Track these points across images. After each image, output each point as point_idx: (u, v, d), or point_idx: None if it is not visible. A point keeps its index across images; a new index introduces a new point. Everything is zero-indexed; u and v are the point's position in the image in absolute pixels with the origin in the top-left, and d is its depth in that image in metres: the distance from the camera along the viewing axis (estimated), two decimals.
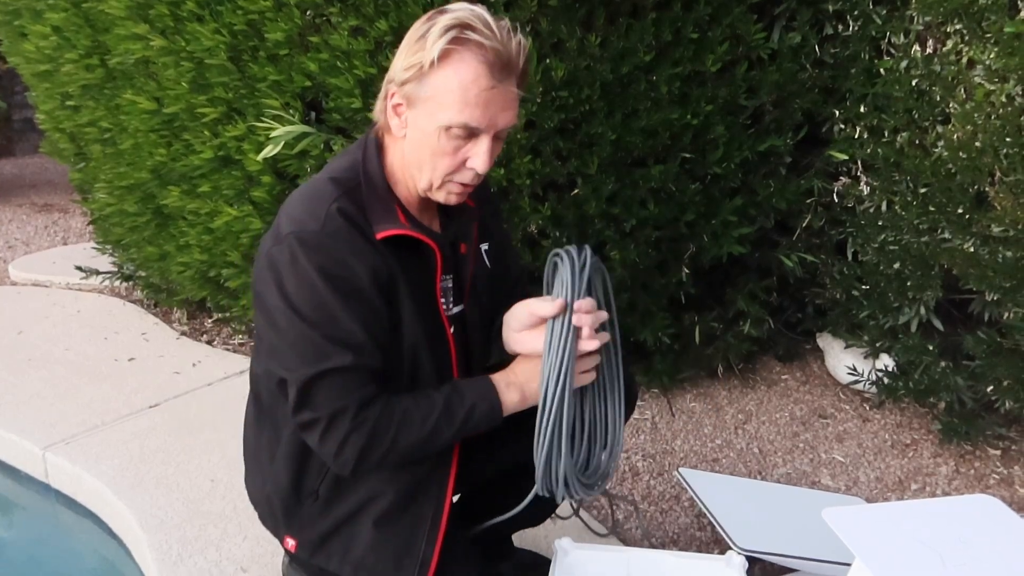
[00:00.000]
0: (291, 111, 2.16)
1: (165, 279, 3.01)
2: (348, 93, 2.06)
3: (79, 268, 3.42)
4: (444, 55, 1.10)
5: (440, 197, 1.22)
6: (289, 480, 1.31)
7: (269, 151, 2.14)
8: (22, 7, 2.86)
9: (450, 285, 1.34)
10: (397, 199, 1.24)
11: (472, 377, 1.26)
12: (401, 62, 1.15)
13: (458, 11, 1.12)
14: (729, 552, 1.47)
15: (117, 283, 3.39)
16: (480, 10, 1.13)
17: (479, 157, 1.16)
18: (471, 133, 1.15)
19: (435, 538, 1.30)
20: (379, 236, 1.17)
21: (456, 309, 1.35)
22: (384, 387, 1.18)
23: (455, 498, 1.57)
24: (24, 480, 2.29)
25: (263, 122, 2.17)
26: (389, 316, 1.20)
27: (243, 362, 2.75)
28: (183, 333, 3.01)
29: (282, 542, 1.35)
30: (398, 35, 1.97)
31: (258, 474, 1.37)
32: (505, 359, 1.38)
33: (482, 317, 1.42)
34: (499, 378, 1.24)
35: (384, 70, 1.99)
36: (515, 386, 1.24)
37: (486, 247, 1.41)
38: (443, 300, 1.31)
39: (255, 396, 1.37)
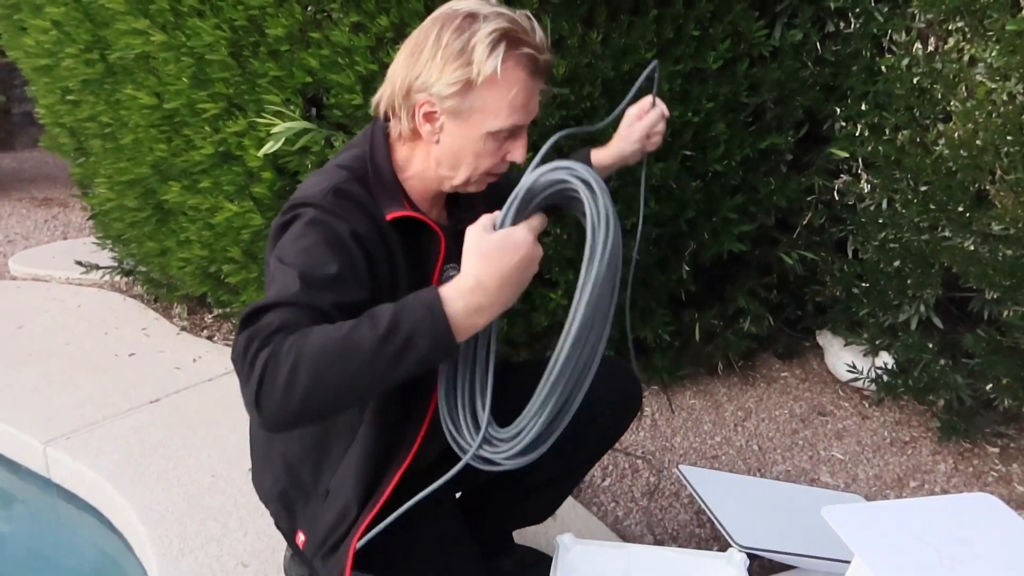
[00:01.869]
0: (292, 107, 2.16)
1: (165, 274, 3.01)
2: (349, 89, 2.05)
3: (79, 263, 3.42)
4: (499, 71, 1.11)
5: (472, 188, 1.26)
6: (303, 476, 1.31)
7: (270, 147, 2.14)
8: (22, 1, 2.86)
9: (452, 274, 1.34)
10: (404, 190, 1.25)
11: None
12: (438, 74, 1.12)
13: (491, 18, 1.12)
14: (730, 549, 1.47)
15: (117, 278, 3.39)
16: (510, 12, 1.14)
17: (520, 150, 1.21)
18: (513, 131, 1.19)
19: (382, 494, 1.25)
20: (389, 217, 1.18)
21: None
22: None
23: (456, 495, 1.58)
24: (25, 474, 2.29)
25: (264, 118, 2.16)
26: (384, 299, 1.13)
27: None
28: (183, 328, 3.01)
29: (294, 537, 1.35)
30: (399, 31, 1.98)
31: (269, 472, 1.37)
32: None
33: None
34: (448, 286, 0.99)
35: (385, 66, 1.99)
36: (473, 288, 0.97)
37: None
38: (443, 277, 1.31)
39: None
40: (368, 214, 1.17)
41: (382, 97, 1.22)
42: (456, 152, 1.19)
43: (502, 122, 1.15)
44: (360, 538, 1.24)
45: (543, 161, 1.04)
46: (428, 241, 1.26)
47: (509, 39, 1.11)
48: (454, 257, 1.32)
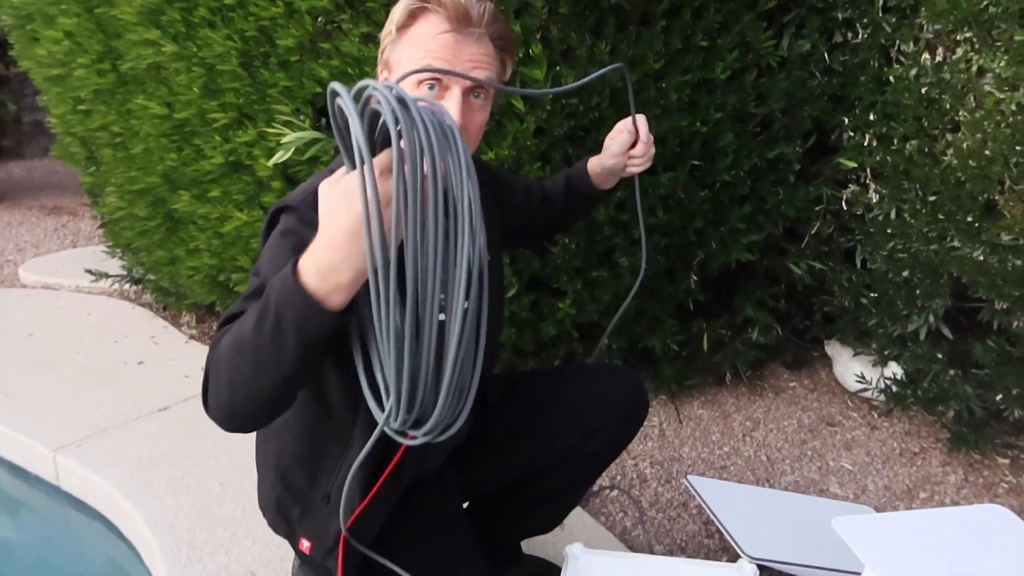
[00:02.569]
0: (302, 117, 2.17)
1: (174, 283, 3.03)
2: None
3: (89, 271, 3.43)
4: (409, 17, 1.13)
5: None
6: (302, 483, 1.31)
7: (279, 157, 2.15)
8: (35, 12, 2.89)
9: None
10: None
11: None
12: (382, 41, 1.19)
13: None
14: (740, 560, 1.47)
15: (126, 286, 3.40)
16: None
17: (450, 107, 1.12)
18: (442, 85, 1.13)
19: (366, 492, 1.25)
20: None
21: None
22: None
23: (464, 506, 1.58)
24: (34, 482, 2.30)
25: (274, 128, 2.18)
26: None
27: None
28: (192, 337, 3.02)
29: (297, 544, 1.35)
30: None
31: (266, 481, 1.38)
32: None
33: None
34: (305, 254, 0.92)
35: None
36: (322, 247, 0.89)
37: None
38: None
39: None
40: None
41: None
42: None
43: (417, 63, 1.12)
44: (350, 526, 1.23)
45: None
46: None
47: None
48: None
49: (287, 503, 1.34)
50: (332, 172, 1.18)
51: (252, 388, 0.94)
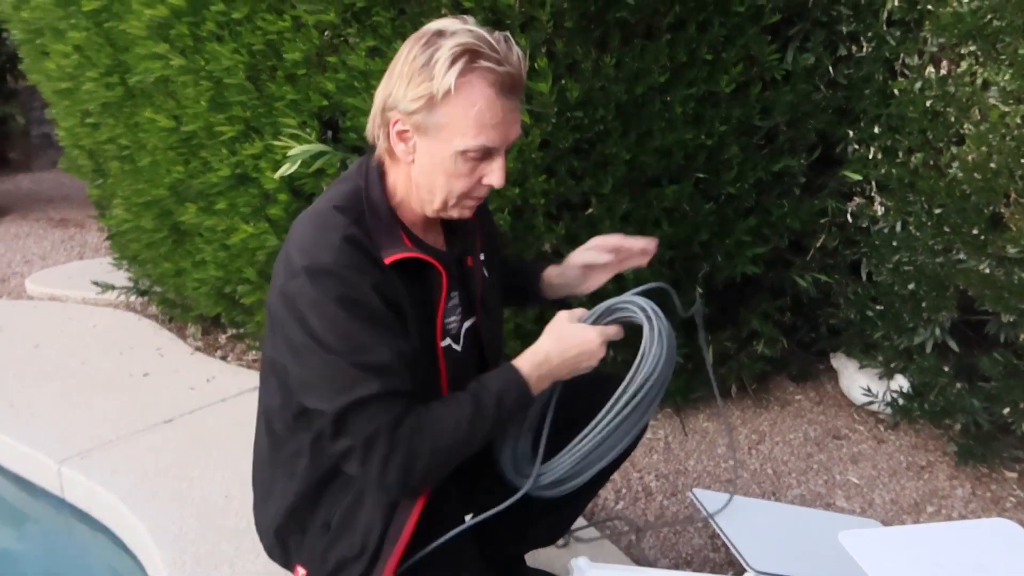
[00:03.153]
0: (308, 130, 2.19)
1: (180, 295, 3.04)
2: (365, 113, 2.07)
3: (95, 283, 3.45)
4: (456, 86, 1.11)
5: (454, 214, 1.24)
6: (303, 511, 1.30)
7: (286, 169, 2.16)
8: (44, 26, 2.91)
9: (457, 302, 1.34)
10: (401, 223, 1.25)
11: (495, 369, 1.26)
12: (404, 90, 1.15)
13: (458, 34, 1.13)
14: (746, 574, 1.46)
15: (132, 298, 3.41)
16: (478, 28, 1.14)
17: (496, 173, 1.19)
18: (487, 153, 1.17)
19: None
20: (387, 261, 1.18)
21: (468, 323, 1.36)
22: (413, 403, 1.17)
23: (468, 517, 1.57)
24: (39, 494, 2.30)
25: (280, 141, 2.19)
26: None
27: (257, 378, 2.76)
28: (197, 349, 3.03)
29: (292, 571, 1.35)
30: None
31: (270, 504, 1.37)
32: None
33: (494, 325, 1.44)
34: (523, 359, 1.24)
35: None
36: (541, 362, 1.24)
37: (482, 257, 1.42)
38: (451, 319, 1.32)
39: (268, 428, 1.35)
40: (372, 259, 1.17)
41: (369, 124, 1.24)
42: (430, 173, 1.19)
43: (471, 140, 1.14)
44: (395, 571, 1.24)
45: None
46: (429, 277, 1.26)
47: (471, 53, 1.11)
48: (456, 285, 1.32)
49: (287, 531, 1.33)
50: (329, 214, 1.20)
51: (456, 458, 1.21)
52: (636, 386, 1.28)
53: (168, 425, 2.44)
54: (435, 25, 1.16)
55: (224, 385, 2.71)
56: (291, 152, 2.14)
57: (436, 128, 1.15)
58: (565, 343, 1.24)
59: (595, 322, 1.32)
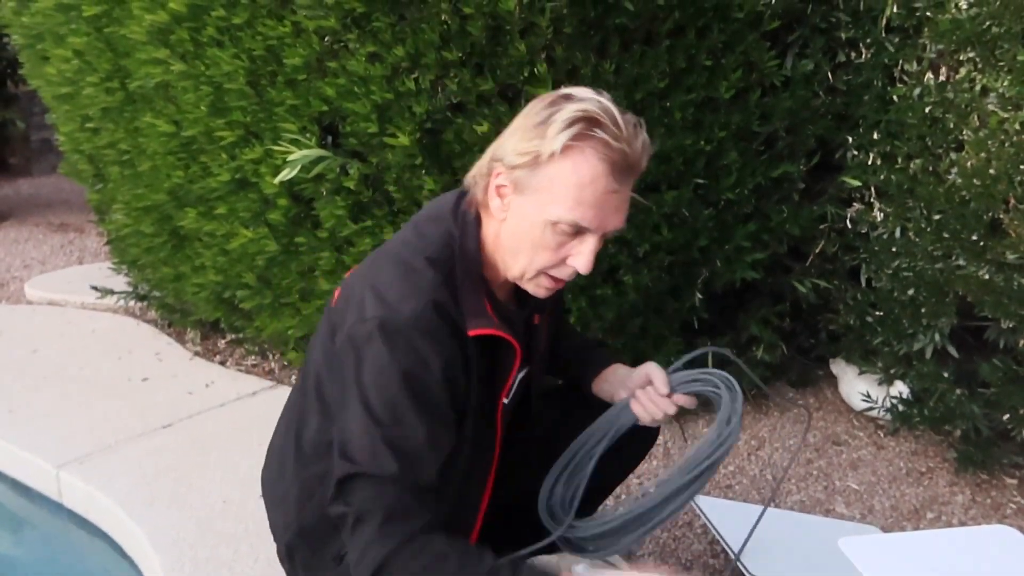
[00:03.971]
0: (308, 135, 2.19)
1: (179, 300, 3.04)
2: (365, 118, 2.08)
3: (94, 288, 3.44)
4: (566, 148, 1.04)
5: (529, 288, 1.18)
6: (316, 537, 1.29)
7: (286, 174, 2.16)
8: (45, 31, 2.92)
9: (521, 376, 1.31)
10: (486, 282, 1.19)
11: (536, 561, 1.17)
12: (514, 143, 1.09)
13: (585, 101, 1.07)
14: None
15: (132, 303, 3.41)
16: (608, 102, 1.08)
17: (583, 257, 1.10)
18: (578, 232, 1.09)
19: None
20: (471, 333, 1.13)
21: (522, 373, 1.31)
22: (427, 505, 1.10)
23: None
24: (37, 498, 2.29)
25: (280, 146, 2.19)
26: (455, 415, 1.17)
27: (255, 383, 2.76)
28: (196, 353, 3.02)
29: None
30: (414, 61, 2.01)
31: (283, 516, 1.35)
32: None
33: (543, 373, 1.43)
34: None
35: (401, 96, 2.04)
36: None
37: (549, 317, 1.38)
38: (508, 392, 1.28)
39: (297, 439, 1.32)
40: (455, 330, 1.12)
41: (474, 167, 1.18)
42: (517, 236, 1.12)
43: (565, 212, 1.06)
44: None
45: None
46: (505, 353, 1.21)
47: (590, 121, 1.04)
48: (526, 361, 1.27)
49: (296, 545, 1.32)
50: (421, 269, 1.12)
51: None
52: (703, 467, 1.26)
53: (167, 430, 2.44)
54: (567, 90, 1.10)
55: (223, 390, 2.71)
56: (291, 157, 2.14)
57: (534, 190, 1.08)
58: None
59: (675, 388, 1.34)
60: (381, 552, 1.04)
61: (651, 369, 1.38)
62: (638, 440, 1.50)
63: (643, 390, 1.35)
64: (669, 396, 1.34)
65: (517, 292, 1.26)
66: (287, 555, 1.36)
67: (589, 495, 1.58)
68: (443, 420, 1.12)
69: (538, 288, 1.17)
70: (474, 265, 1.16)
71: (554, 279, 1.15)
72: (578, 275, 1.15)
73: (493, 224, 1.16)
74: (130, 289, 3.35)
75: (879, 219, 2.29)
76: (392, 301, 1.10)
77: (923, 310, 2.20)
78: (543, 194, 1.08)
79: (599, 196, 1.06)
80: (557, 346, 1.51)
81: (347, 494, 1.08)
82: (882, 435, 2.48)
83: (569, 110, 1.05)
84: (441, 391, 1.10)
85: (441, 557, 1.05)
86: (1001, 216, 1.96)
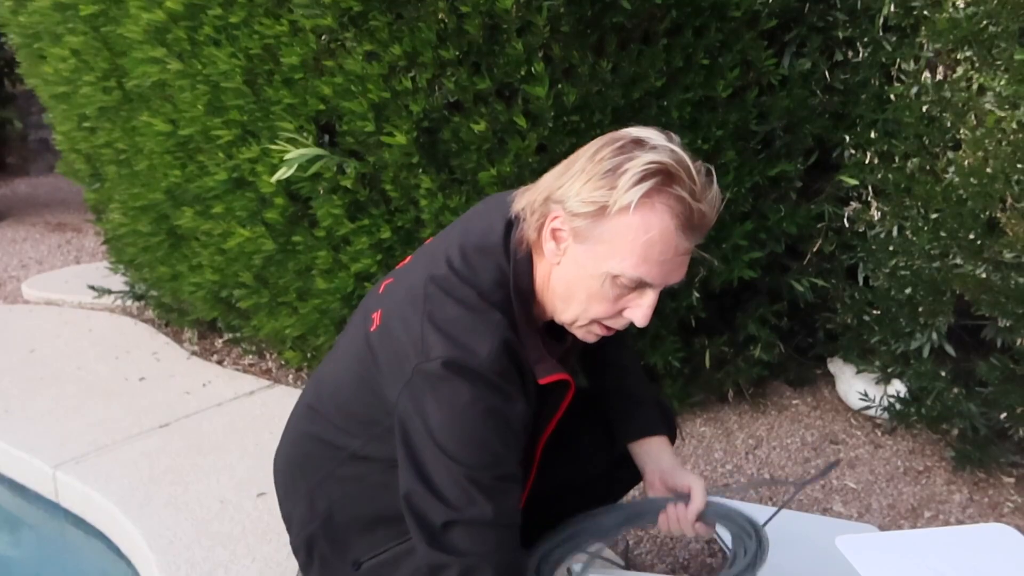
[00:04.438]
0: (305, 134, 2.18)
1: (177, 299, 3.03)
2: (362, 117, 2.08)
3: (92, 287, 3.44)
4: (638, 204, 0.99)
5: (579, 334, 1.14)
6: (341, 538, 1.28)
7: (283, 173, 2.16)
8: (42, 30, 2.91)
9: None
10: (536, 323, 1.15)
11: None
12: (578, 188, 1.02)
13: (659, 151, 1.00)
14: None
15: (129, 303, 3.41)
16: (681, 152, 1.02)
17: (641, 311, 1.06)
18: (639, 286, 1.05)
19: None
20: (542, 381, 1.11)
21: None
22: (516, 540, 1.09)
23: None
24: (33, 498, 2.29)
25: (277, 144, 2.19)
26: None
27: (253, 383, 2.75)
28: (194, 353, 3.02)
29: None
30: (411, 60, 2.00)
31: (308, 505, 1.32)
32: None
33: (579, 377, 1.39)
34: None
35: (398, 94, 2.04)
36: None
37: None
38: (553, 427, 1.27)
39: (321, 436, 1.29)
40: (523, 374, 1.09)
41: (526, 200, 1.11)
42: (571, 283, 1.07)
43: (627, 267, 1.02)
44: None
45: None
46: (560, 391, 1.18)
47: (665, 175, 0.99)
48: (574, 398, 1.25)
49: (318, 540, 1.31)
50: (482, 309, 1.08)
51: None
52: None
53: (164, 430, 2.44)
54: (636, 132, 1.05)
55: (220, 390, 2.70)
56: (288, 156, 2.14)
57: (596, 240, 1.02)
58: None
59: (707, 515, 1.30)
60: None
61: (695, 486, 1.30)
62: (625, 482, 1.50)
63: (675, 506, 1.29)
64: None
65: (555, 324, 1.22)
66: (305, 547, 1.33)
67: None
68: (518, 453, 1.10)
69: (588, 334, 1.13)
70: (529, 309, 1.13)
71: (607, 328, 1.11)
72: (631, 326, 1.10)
73: (544, 265, 1.12)
74: (127, 289, 3.35)
75: (876, 218, 2.29)
76: (463, 342, 1.05)
77: (920, 309, 2.20)
78: (606, 247, 1.02)
79: (667, 254, 1.02)
80: (606, 366, 1.47)
81: (448, 542, 1.04)
82: (879, 434, 2.48)
83: (643, 161, 0.99)
84: (520, 429, 1.08)
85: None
86: (998, 215, 1.96)
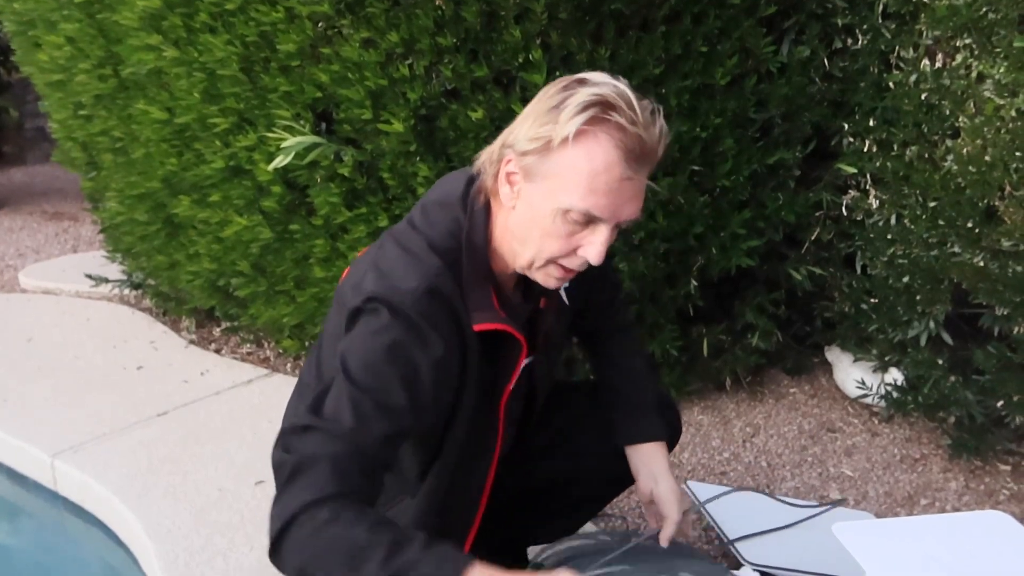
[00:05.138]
0: (302, 122, 2.18)
1: (174, 288, 3.03)
2: (359, 104, 2.07)
3: (89, 276, 3.44)
4: (579, 134, 1.01)
5: (538, 278, 1.14)
6: None
7: (280, 161, 2.15)
8: (36, 17, 2.89)
9: (529, 361, 1.30)
10: (493, 277, 1.16)
11: (453, 545, 0.98)
12: (526, 129, 1.06)
13: (600, 86, 1.03)
14: (744, 568, 1.46)
15: (126, 291, 3.40)
16: (624, 87, 1.04)
17: (594, 248, 1.06)
18: (590, 220, 1.05)
19: None
20: (476, 328, 1.11)
21: (526, 361, 1.29)
22: (370, 477, 1.04)
23: None
24: (32, 487, 2.29)
25: (274, 132, 2.18)
26: (442, 408, 1.15)
27: (251, 371, 2.76)
28: (191, 342, 3.02)
29: None
30: (408, 47, 1.99)
31: None
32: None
33: (550, 364, 1.38)
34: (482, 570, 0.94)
35: (395, 82, 2.03)
36: None
37: (566, 285, 1.31)
38: (511, 388, 1.26)
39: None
40: (455, 321, 1.10)
41: (485, 154, 1.14)
42: (526, 224, 1.09)
43: (576, 200, 1.02)
44: None
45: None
46: (509, 349, 1.19)
47: (604, 105, 1.01)
48: (531, 351, 1.25)
49: None
50: (424, 254, 1.10)
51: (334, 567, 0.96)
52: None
53: (162, 418, 2.44)
54: (583, 75, 1.07)
55: (218, 378, 2.71)
56: (285, 144, 2.13)
57: (544, 176, 1.04)
58: None
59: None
60: (293, 503, 0.98)
61: (669, 515, 1.36)
62: (621, 483, 1.50)
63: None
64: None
65: (524, 283, 1.23)
66: None
67: (557, 531, 1.58)
68: (416, 403, 1.07)
69: (547, 278, 1.14)
70: (481, 258, 1.14)
71: (564, 269, 1.12)
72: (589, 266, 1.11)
73: (503, 213, 1.14)
74: (125, 277, 3.35)
75: (874, 206, 2.29)
76: (393, 279, 1.09)
77: (918, 297, 2.20)
78: (554, 181, 1.04)
79: (613, 184, 1.02)
80: (613, 361, 1.46)
81: (294, 443, 1.02)
82: (876, 422, 2.49)
83: (583, 94, 1.02)
84: (426, 375, 1.07)
85: (354, 519, 0.96)
86: (996, 203, 1.95)
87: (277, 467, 1.03)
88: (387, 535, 0.93)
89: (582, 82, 1.05)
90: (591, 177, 1.02)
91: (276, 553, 1.00)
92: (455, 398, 1.16)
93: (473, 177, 1.19)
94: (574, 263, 1.10)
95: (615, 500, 2.08)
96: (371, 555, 0.92)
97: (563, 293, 1.33)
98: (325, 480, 0.97)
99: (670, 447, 1.45)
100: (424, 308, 1.07)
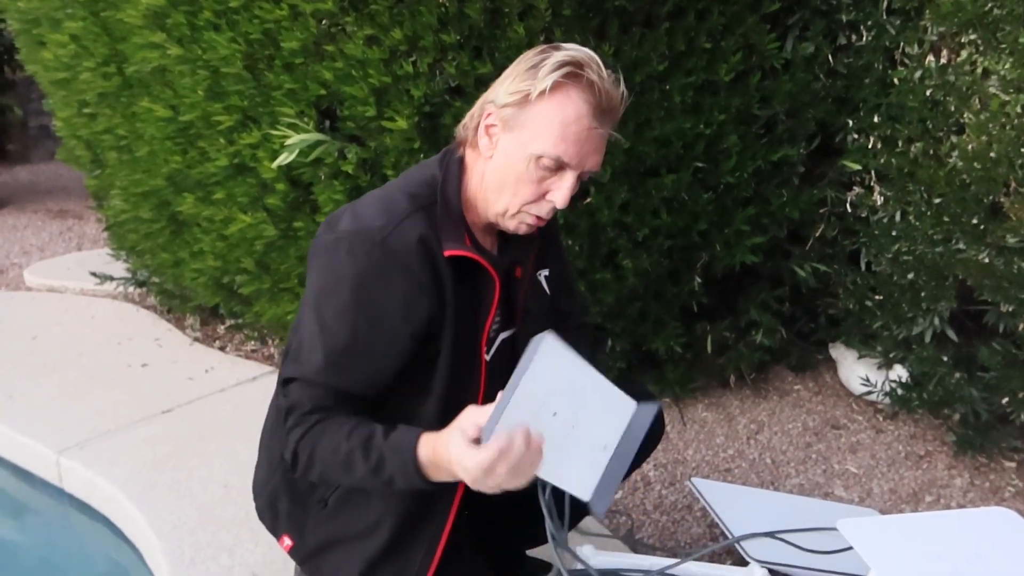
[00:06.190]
0: (306, 119, 2.18)
1: (179, 285, 3.03)
2: (362, 101, 2.07)
3: (94, 274, 3.44)
4: (554, 88, 1.13)
5: (511, 225, 1.24)
6: (301, 481, 1.31)
7: (284, 159, 2.15)
8: (41, 16, 2.90)
9: (505, 336, 1.34)
10: (466, 225, 1.25)
11: (405, 431, 1.13)
12: (507, 86, 1.18)
13: (573, 50, 1.16)
14: (752, 564, 1.46)
15: (131, 289, 3.41)
16: (593, 53, 1.17)
17: (561, 192, 1.18)
18: (559, 167, 1.17)
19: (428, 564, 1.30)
20: (447, 253, 1.19)
21: (505, 334, 1.35)
22: (350, 406, 1.19)
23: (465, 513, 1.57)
24: (38, 484, 2.30)
25: (278, 130, 2.18)
26: (422, 351, 1.21)
27: (255, 368, 2.76)
28: (196, 339, 3.03)
29: (279, 539, 1.36)
30: (412, 44, 1.99)
31: (267, 465, 1.38)
32: None
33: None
34: (427, 440, 1.09)
35: (399, 78, 2.03)
36: (439, 465, 1.09)
37: (546, 273, 1.43)
38: (492, 326, 1.30)
39: (277, 392, 1.36)
40: (428, 256, 1.17)
41: (467, 115, 1.25)
42: (502, 171, 1.19)
43: (548, 147, 1.15)
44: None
45: None
46: (483, 285, 1.25)
47: (577, 65, 1.14)
48: (503, 302, 1.30)
49: (279, 494, 1.34)
50: (398, 196, 1.20)
51: (349, 487, 1.24)
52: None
53: (167, 415, 2.44)
54: (558, 44, 1.20)
55: (222, 375, 2.71)
56: (289, 141, 2.13)
57: (521, 126, 1.16)
58: (468, 474, 1.02)
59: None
60: (296, 436, 1.16)
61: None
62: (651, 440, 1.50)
63: None
64: None
65: (500, 240, 1.32)
66: (269, 506, 1.37)
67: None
68: (389, 339, 1.18)
69: (519, 225, 1.23)
70: (454, 205, 1.23)
71: (535, 216, 1.22)
72: (557, 210, 1.22)
73: (480, 164, 1.23)
74: (129, 275, 3.35)
75: (879, 203, 2.28)
76: (366, 219, 1.18)
77: (923, 294, 2.19)
78: (529, 130, 1.16)
79: (581, 134, 1.15)
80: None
81: (286, 393, 1.19)
82: (881, 419, 2.48)
83: (559, 55, 1.15)
84: (395, 310, 1.17)
85: (333, 433, 1.14)
86: (1001, 199, 1.95)
87: (282, 422, 1.19)
88: (358, 437, 1.13)
89: (557, 47, 1.18)
90: (563, 126, 1.14)
91: (300, 476, 1.21)
92: (437, 330, 1.21)
93: (450, 149, 1.30)
94: (543, 209, 1.21)
95: (618, 498, 2.09)
96: (355, 457, 1.12)
97: (543, 282, 1.40)
98: (310, 418, 1.16)
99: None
100: (393, 244, 1.15)
